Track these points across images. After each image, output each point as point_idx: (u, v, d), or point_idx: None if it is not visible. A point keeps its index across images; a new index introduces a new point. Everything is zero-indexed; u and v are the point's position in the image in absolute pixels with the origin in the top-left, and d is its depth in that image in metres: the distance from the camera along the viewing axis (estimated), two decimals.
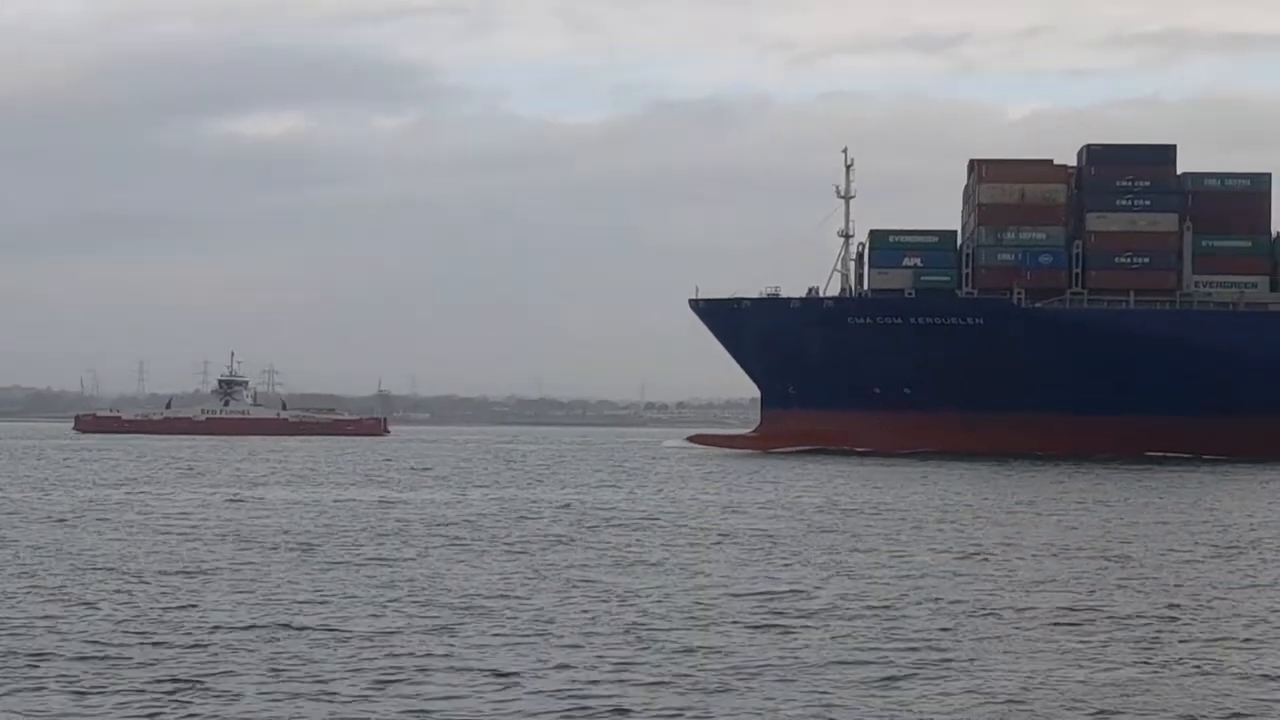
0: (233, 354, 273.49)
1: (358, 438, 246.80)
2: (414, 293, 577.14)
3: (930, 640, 33.39)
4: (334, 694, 27.23)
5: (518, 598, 39.57)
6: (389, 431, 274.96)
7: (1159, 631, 35.42)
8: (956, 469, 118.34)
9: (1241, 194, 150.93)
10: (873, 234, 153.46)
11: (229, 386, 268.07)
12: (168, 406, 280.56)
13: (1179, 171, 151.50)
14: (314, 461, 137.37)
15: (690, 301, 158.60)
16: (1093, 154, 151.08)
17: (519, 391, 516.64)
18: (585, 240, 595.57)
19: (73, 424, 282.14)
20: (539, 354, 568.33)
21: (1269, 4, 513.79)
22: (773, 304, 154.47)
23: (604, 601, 38.96)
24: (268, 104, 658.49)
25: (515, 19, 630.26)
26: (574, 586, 41.93)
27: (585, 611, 37.14)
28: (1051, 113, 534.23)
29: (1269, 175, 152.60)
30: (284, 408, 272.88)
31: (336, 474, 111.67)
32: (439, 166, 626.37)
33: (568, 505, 75.61)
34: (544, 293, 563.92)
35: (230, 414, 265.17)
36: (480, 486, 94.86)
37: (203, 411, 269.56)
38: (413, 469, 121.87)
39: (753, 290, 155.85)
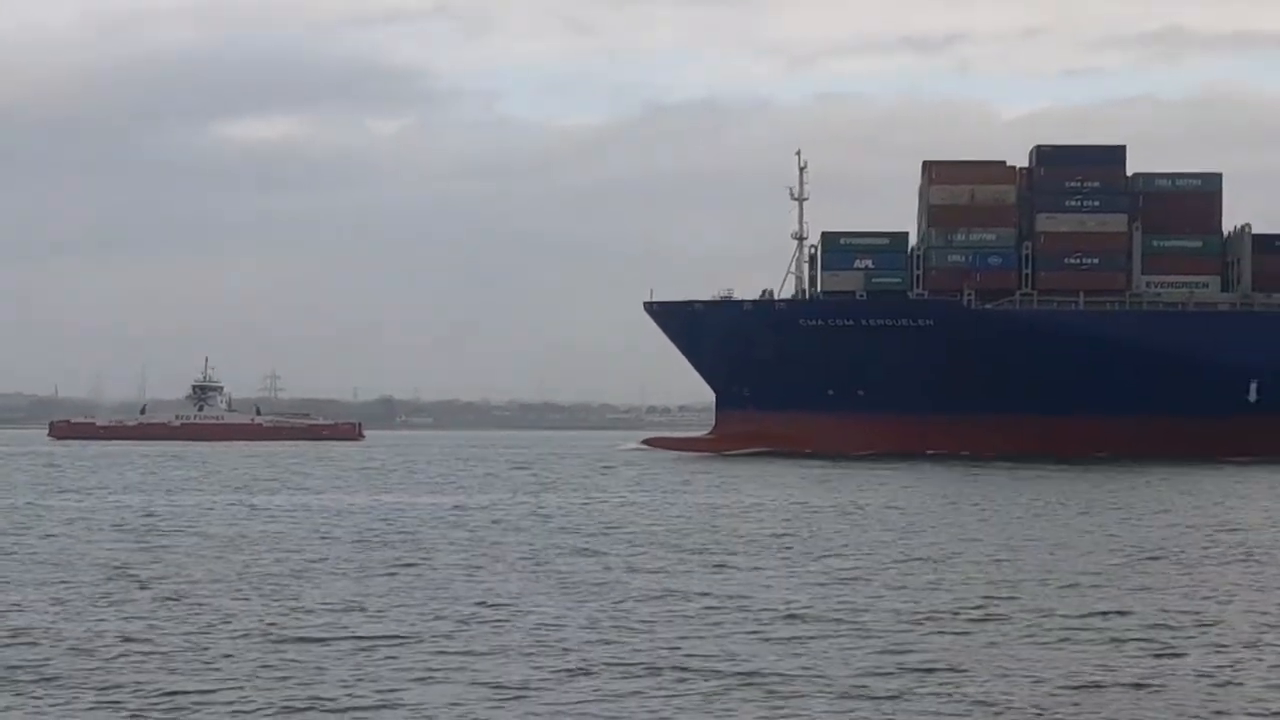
0: (206, 359, 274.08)
1: (332, 442, 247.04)
2: (415, 297, 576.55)
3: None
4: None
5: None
6: (364, 436, 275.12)
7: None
8: (899, 470, 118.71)
9: (1192, 194, 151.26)
10: (824, 236, 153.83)
11: (203, 392, 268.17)
12: (142, 412, 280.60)
13: (1130, 172, 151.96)
14: (248, 466, 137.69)
15: (645, 304, 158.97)
16: (1042, 155, 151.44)
17: (521, 396, 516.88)
18: (586, 243, 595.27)
19: (48, 430, 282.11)
20: (541, 358, 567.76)
21: (1266, 2, 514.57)
22: (726, 306, 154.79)
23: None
24: (265, 108, 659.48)
25: (512, 22, 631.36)
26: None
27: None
28: (1049, 113, 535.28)
29: (1219, 175, 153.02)
30: (258, 413, 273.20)
31: (250, 479, 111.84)
32: (437, 170, 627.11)
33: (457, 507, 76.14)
34: (545, 296, 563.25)
35: (204, 419, 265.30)
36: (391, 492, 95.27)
37: (177, 417, 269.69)
38: (336, 478, 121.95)
39: (706, 293, 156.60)
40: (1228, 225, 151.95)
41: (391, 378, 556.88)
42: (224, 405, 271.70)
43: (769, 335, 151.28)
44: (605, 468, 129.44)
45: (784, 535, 59.93)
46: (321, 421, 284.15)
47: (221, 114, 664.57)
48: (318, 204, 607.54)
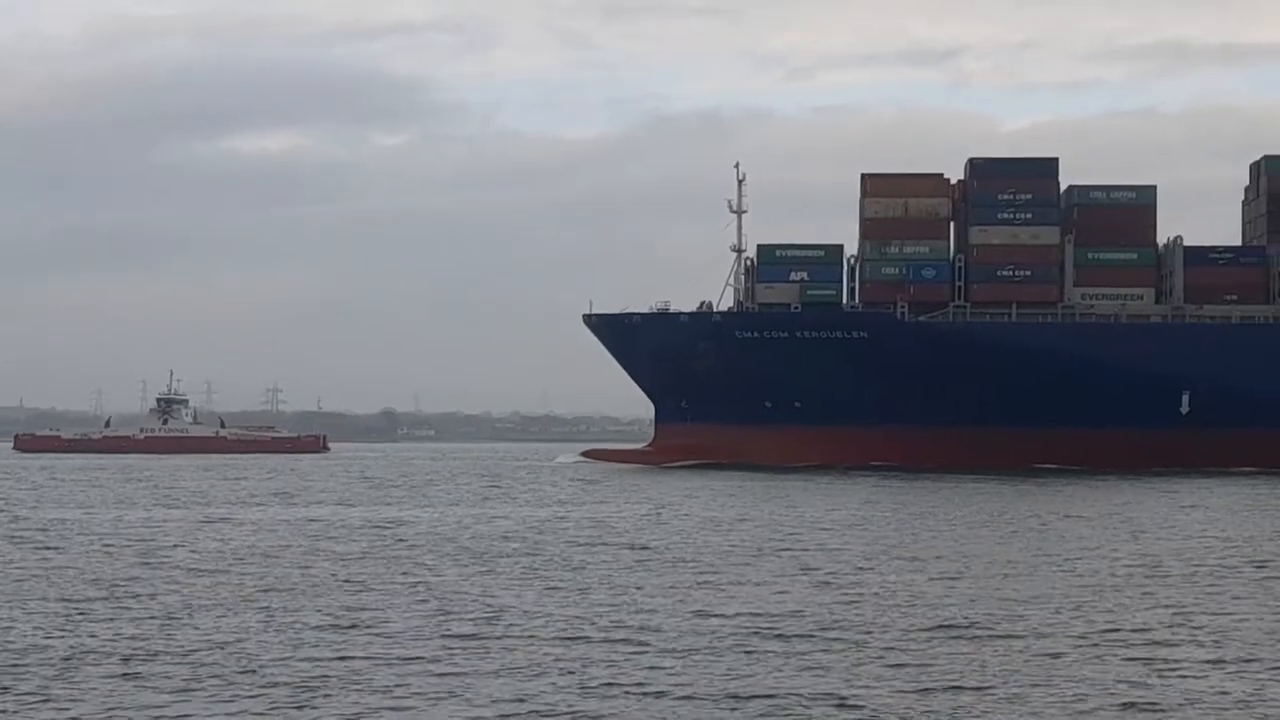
0: (171, 372, 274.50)
1: (295, 455, 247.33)
2: (416, 310, 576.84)
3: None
4: None
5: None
6: (329, 449, 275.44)
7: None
8: (815, 482, 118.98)
9: (1127, 207, 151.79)
10: (760, 248, 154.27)
11: (167, 405, 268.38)
12: (107, 425, 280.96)
13: (1065, 185, 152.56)
14: (178, 479, 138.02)
15: (584, 317, 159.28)
16: (976, 167, 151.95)
17: (524, 408, 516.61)
18: (587, 255, 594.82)
19: (13, 443, 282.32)
20: (544, 370, 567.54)
21: (1263, 15, 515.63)
22: (662, 319, 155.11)
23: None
24: (265, 121, 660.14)
25: (513, 35, 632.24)
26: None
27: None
28: (1047, 125, 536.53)
29: (1154, 188, 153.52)
30: (222, 426, 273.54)
31: (183, 493, 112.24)
32: (437, 182, 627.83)
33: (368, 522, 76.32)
34: (546, 308, 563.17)
35: (169, 432, 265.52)
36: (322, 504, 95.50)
37: (141, 430, 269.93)
38: (277, 491, 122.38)
39: (644, 305, 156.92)
40: (1162, 237, 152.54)
41: (393, 391, 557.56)
42: (189, 418, 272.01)
43: (705, 348, 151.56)
44: (551, 481, 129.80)
45: (596, 545, 60.34)
46: (286, 434, 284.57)
47: (222, 125, 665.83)
48: (319, 216, 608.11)
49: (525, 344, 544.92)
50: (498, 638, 35.50)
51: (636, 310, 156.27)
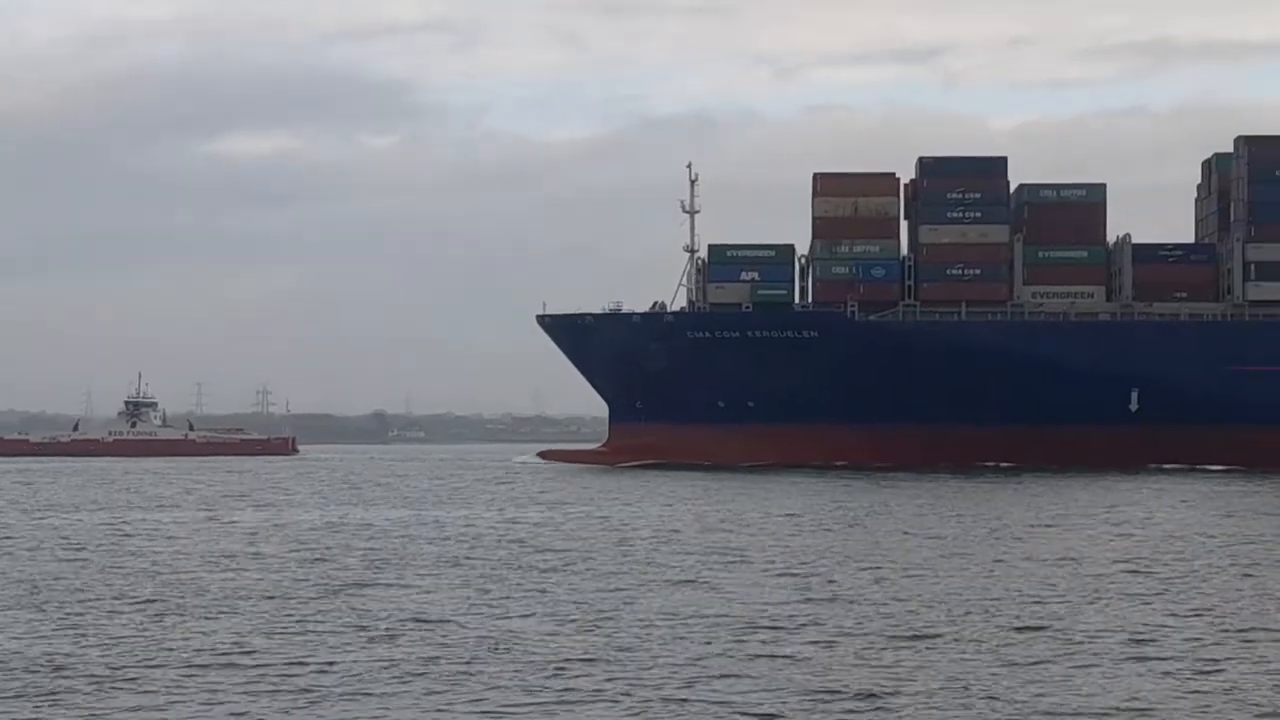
0: (140, 375, 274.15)
1: (264, 458, 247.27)
2: (407, 311, 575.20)
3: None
4: None
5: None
6: (298, 451, 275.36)
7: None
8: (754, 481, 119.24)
9: (1077, 205, 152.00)
10: (711, 249, 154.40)
11: (135, 408, 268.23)
12: (75, 429, 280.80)
13: (1015, 183, 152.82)
14: (127, 481, 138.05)
15: (537, 318, 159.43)
16: (925, 166, 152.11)
17: (515, 409, 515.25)
18: (578, 255, 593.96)
19: None
20: (536, 371, 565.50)
21: (1253, 12, 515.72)
22: (615, 319, 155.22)
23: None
24: (254, 123, 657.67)
25: (502, 35, 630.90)
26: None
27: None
28: (1038, 124, 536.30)
29: (1104, 186, 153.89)
30: (191, 429, 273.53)
31: (117, 496, 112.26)
32: (427, 183, 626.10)
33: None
34: (537, 309, 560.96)
35: (137, 435, 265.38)
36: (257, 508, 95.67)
37: (109, 433, 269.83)
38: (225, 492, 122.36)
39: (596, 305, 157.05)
40: (1112, 235, 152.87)
41: (384, 393, 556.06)
42: (157, 421, 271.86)
43: (658, 348, 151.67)
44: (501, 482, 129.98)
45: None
46: (255, 437, 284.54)
47: (211, 128, 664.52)
48: (308, 218, 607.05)
49: (516, 345, 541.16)
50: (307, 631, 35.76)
51: (590, 311, 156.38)
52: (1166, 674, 32.02)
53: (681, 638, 36.05)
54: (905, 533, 67.18)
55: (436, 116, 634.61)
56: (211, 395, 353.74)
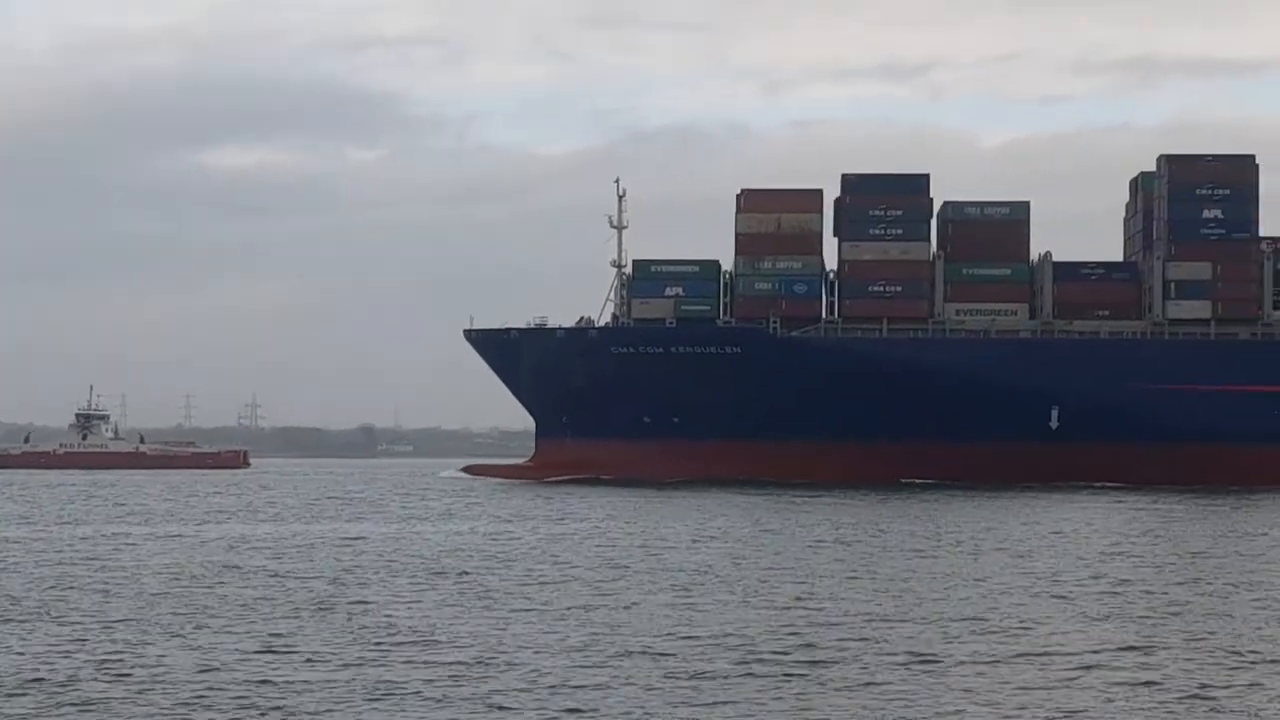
0: (91, 387, 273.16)
1: (215, 471, 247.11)
2: (395, 325, 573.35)
3: None
4: None
5: None
6: (249, 464, 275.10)
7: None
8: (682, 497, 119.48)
9: (1000, 223, 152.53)
10: (636, 263, 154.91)
11: (87, 420, 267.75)
12: (26, 440, 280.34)
13: (939, 201, 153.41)
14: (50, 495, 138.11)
15: (465, 332, 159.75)
16: (848, 183, 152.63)
17: (503, 423, 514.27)
18: (568, 269, 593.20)
19: None
20: None
21: (1241, 28, 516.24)
22: (540, 334, 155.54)
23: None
24: (242, 134, 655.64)
25: (491, 48, 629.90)
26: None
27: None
28: (1025, 139, 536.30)
29: (1027, 204, 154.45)
30: (142, 441, 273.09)
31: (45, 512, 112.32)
32: (415, 196, 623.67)
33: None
34: (525, 324, 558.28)
35: (88, 448, 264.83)
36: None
37: (60, 446, 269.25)
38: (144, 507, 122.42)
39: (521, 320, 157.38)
40: (1035, 252, 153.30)
41: (372, 406, 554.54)
42: (108, 434, 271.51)
43: (582, 363, 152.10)
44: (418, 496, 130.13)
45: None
46: (206, 449, 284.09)
47: (198, 140, 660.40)
48: (296, 230, 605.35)
49: None
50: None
51: (515, 325, 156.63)
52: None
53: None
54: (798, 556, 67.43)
55: (426, 129, 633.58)
56: (200, 408, 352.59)
